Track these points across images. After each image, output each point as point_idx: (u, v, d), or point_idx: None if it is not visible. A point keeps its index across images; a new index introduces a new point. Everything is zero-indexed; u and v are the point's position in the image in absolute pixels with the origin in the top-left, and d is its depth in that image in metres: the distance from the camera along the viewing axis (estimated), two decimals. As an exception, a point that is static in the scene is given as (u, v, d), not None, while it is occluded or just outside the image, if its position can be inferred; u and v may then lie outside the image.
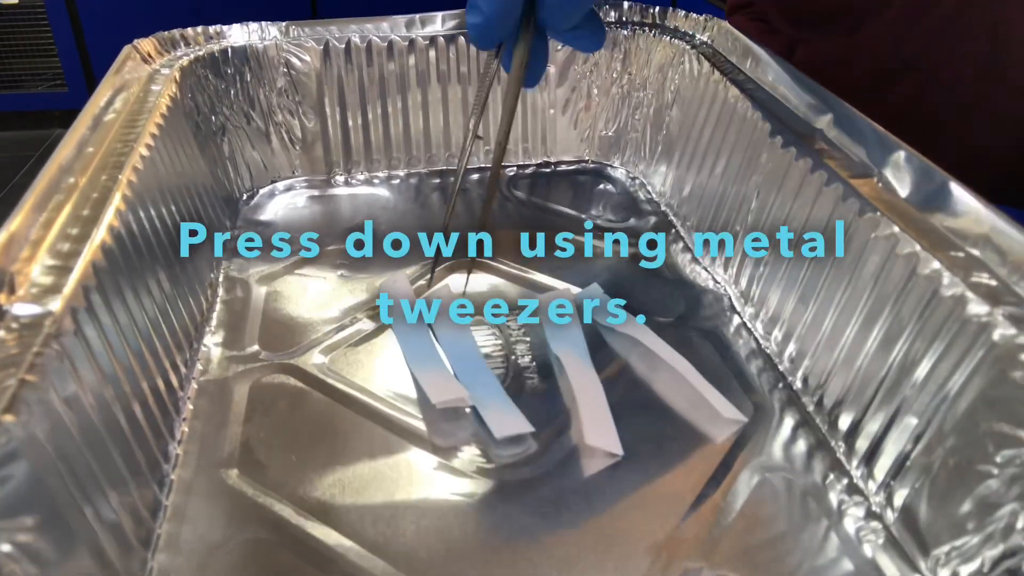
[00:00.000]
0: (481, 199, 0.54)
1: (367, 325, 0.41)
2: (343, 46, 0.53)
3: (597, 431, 0.34)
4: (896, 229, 0.32)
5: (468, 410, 0.36)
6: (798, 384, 0.37)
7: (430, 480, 0.32)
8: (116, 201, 0.32)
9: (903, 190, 0.33)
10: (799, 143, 0.39)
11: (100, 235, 0.30)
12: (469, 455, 0.34)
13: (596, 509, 0.31)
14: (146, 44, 0.48)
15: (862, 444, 0.33)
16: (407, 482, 0.32)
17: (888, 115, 0.36)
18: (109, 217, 0.31)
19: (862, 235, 0.34)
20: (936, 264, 0.29)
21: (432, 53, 0.54)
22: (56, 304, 0.26)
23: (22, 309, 0.25)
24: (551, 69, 0.56)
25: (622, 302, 0.42)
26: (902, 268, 0.31)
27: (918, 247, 0.30)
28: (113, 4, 1.82)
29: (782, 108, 0.42)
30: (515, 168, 0.58)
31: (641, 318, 0.41)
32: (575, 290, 0.44)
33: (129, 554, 0.27)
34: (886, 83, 0.40)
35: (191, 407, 0.36)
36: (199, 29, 0.50)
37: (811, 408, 0.36)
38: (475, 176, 0.57)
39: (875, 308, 0.33)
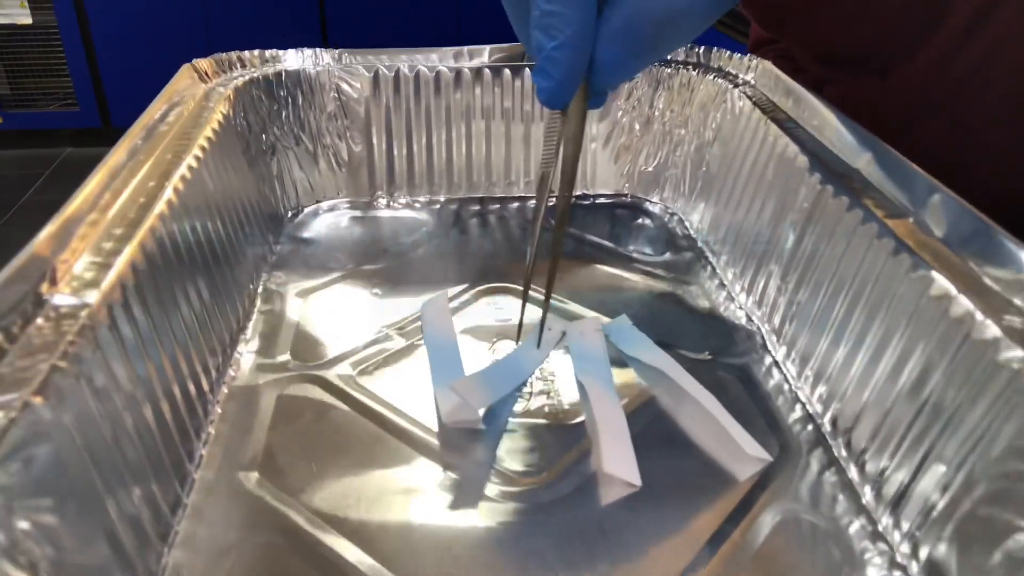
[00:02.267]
0: (521, 227, 0.54)
1: (397, 343, 0.42)
2: (392, 74, 0.54)
3: (616, 460, 0.33)
4: (930, 270, 0.31)
5: (484, 430, 0.36)
6: (827, 425, 0.36)
7: (444, 499, 0.32)
8: (160, 207, 0.34)
9: (939, 231, 0.33)
10: (837, 181, 0.39)
11: (142, 237, 0.31)
12: (485, 477, 0.34)
13: (610, 539, 0.31)
14: (204, 63, 0.50)
15: (889, 490, 0.32)
16: (421, 500, 0.32)
17: (915, 157, 0.36)
18: (152, 221, 0.32)
19: (896, 275, 0.33)
20: (969, 306, 0.29)
21: (478, 88, 0.55)
22: (93, 297, 0.27)
23: (61, 300, 0.26)
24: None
25: (649, 336, 0.42)
26: (934, 309, 0.30)
27: (952, 288, 0.30)
28: (125, 25, 1.86)
29: (821, 147, 0.42)
30: (554, 198, 0.58)
31: (664, 352, 0.41)
32: (605, 320, 0.44)
33: (146, 547, 0.28)
34: (914, 126, 0.40)
35: (220, 410, 0.36)
36: (255, 52, 0.52)
37: (839, 450, 0.35)
38: (515, 204, 0.57)
39: (906, 350, 0.32)
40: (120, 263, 0.29)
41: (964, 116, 0.44)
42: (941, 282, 0.31)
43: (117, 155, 0.35)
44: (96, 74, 1.01)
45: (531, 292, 0.39)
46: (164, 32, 1.91)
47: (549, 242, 0.37)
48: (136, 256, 0.30)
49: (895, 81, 0.45)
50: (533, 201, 0.58)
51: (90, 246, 0.29)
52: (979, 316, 0.28)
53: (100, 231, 0.30)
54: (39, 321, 0.25)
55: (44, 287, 0.26)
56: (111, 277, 0.28)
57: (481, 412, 0.36)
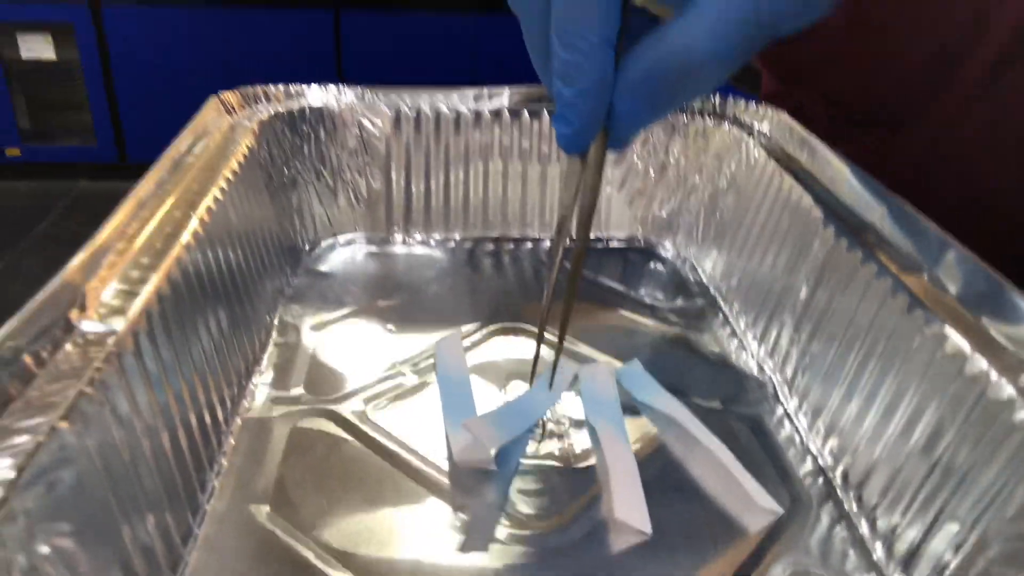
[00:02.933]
0: (534, 268, 0.55)
1: (410, 379, 0.42)
2: (413, 114, 0.55)
3: (628, 506, 0.33)
4: (944, 327, 0.31)
5: (495, 470, 0.36)
6: (838, 480, 0.36)
7: (454, 539, 0.32)
8: (186, 238, 0.34)
9: (953, 288, 0.33)
10: (851, 235, 0.39)
11: (168, 266, 0.32)
12: (495, 518, 0.34)
13: (619, 585, 0.31)
14: (230, 96, 0.51)
15: (901, 547, 0.31)
16: (431, 538, 0.32)
17: (928, 215, 0.36)
18: (178, 251, 0.33)
19: (910, 331, 0.33)
20: (984, 365, 0.29)
21: (497, 128, 0.56)
22: (120, 324, 0.27)
23: (89, 326, 0.27)
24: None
25: (660, 382, 0.42)
26: (949, 367, 0.31)
27: (966, 346, 0.30)
28: (145, 64, 1.90)
29: (835, 199, 0.42)
30: (567, 241, 0.59)
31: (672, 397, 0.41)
32: (616, 364, 0.44)
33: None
34: (923, 183, 0.40)
35: (233, 442, 0.36)
36: (280, 87, 0.54)
37: (850, 505, 0.35)
38: (528, 245, 0.58)
39: (920, 406, 0.32)
40: (147, 291, 0.30)
41: (974, 175, 0.44)
42: (956, 339, 0.31)
43: (146, 185, 0.35)
44: (115, 110, 1.03)
45: (545, 334, 0.40)
46: (181, 69, 1.95)
47: (564, 285, 0.37)
48: (162, 285, 0.31)
49: (906, 137, 0.46)
50: (548, 243, 0.58)
51: (118, 274, 0.30)
52: (994, 375, 0.28)
53: (128, 259, 0.31)
54: (68, 347, 0.26)
55: (74, 314, 0.26)
56: (138, 305, 0.29)
57: (493, 452, 0.37)
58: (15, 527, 0.21)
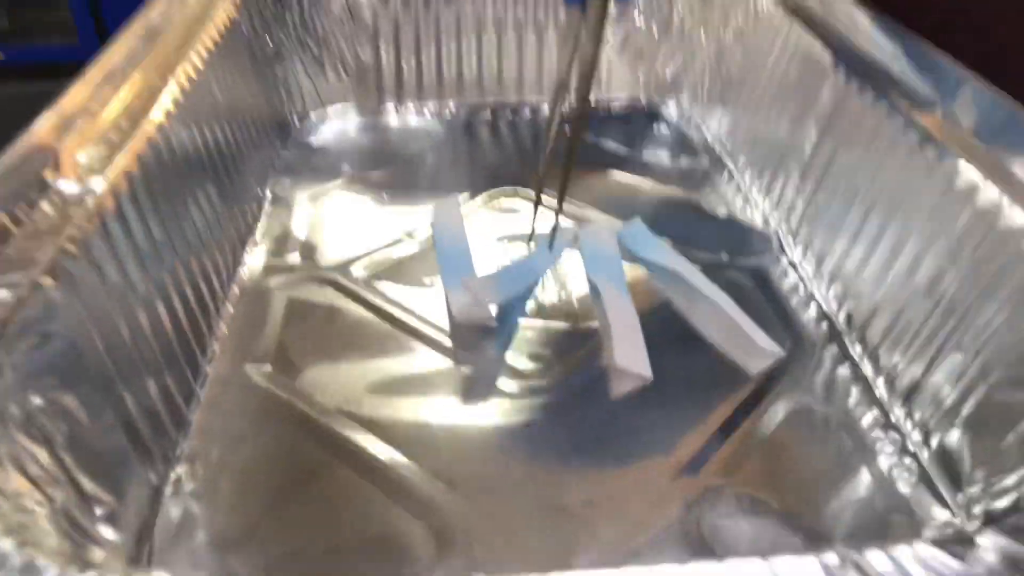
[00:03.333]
0: (533, 135, 0.53)
1: (408, 246, 0.42)
2: (400, -26, 0.52)
3: (627, 353, 0.33)
4: (956, 160, 0.30)
5: (495, 328, 0.36)
6: (841, 323, 0.36)
7: (457, 390, 0.33)
8: (167, 104, 0.33)
9: (968, 123, 0.31)
10: (861, 76, 0.37)
11: (148, 131, 0.31)
12: (497, 370, 0.34)
13: (620, 429, 0.31)
14: (206, -38, 0.48)
15: (903, 381, 0.31)
16: (434, 391, 0.33)
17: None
18: (160, 118, 0.32)
19: (920, 169, 0.32)
20: (995, 194, 0.28)
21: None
22: (100, 185, 0.26)
23: (67, 186, 0.26)
24: (610, 6, 0.55)
25: (664, 237, 0.41)
26: (959, 201, 0.29)
27: (979, 177, 0.29)
28: None
29: (847, 42, 0.40)
30: (566, 102, 0.57)
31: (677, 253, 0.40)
32: (618, 224, 0.43)
33: (162, 436, 0.28)
34: (934, 39, 0.38)
35: (231, 310, 0.36)
36: (259, -49, 0.51)
37: (853, 345, 0.35)
38: (527, 110, 0.56)
39: (925, 245, 0.31)
40: (126, 154, 0.29)
41: (993, 30, 0.42)
42: (968, 172, 0.30)
43: (115, 52, 0.34)
44: (95, 5, 0.98)
45: (545, 198, 0.39)
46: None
47: (564, 147, 0.36)
48: (142, 149, 0.30)
49: None
50: (547, 105, 0.56)
51: (94, 137, 0.29)
52: (1007, 203, 0.27)
53: (104, 124, 0.29)
54: (44, 206, 0.25)
55: (48, 173, 0.26)
56: (117, 166, 0.28)
57: (493, 310, 0.36)
58: (3, 380, 0.21)
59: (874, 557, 0.18)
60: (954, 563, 0.19)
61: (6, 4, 1.08)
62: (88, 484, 0.23)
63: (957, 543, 0.19)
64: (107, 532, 0.24)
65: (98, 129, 0.29)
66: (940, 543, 0.19)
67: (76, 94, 0.30)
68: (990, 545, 0.19)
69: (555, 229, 0.39)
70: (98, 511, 0.24)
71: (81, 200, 0.26)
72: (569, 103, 0.36)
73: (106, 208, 0.26)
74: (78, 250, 0.24)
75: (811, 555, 0.18)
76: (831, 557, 0.18)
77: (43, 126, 0.27)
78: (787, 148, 0.43)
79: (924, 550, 0.19)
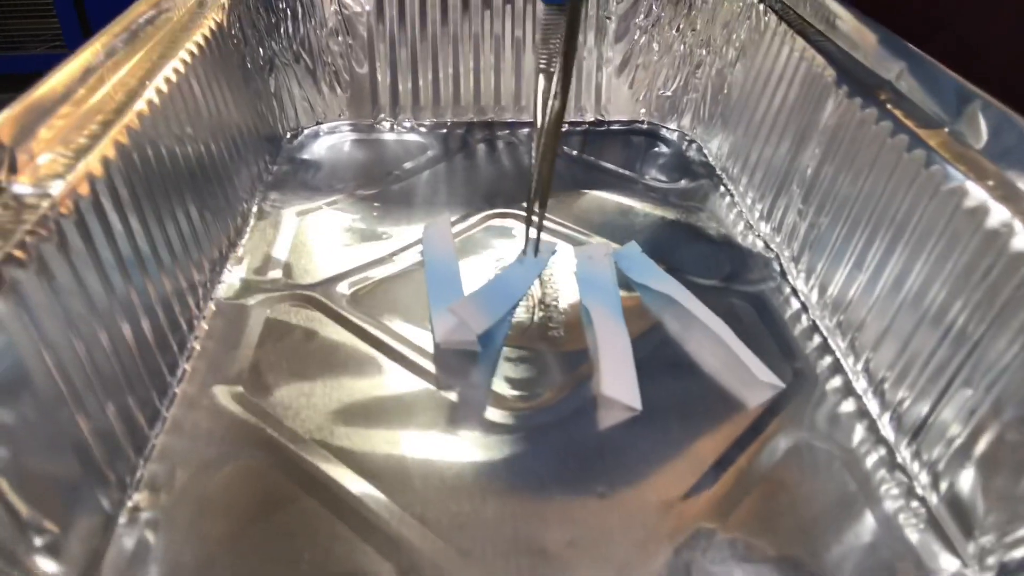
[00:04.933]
0: (531, 153, 0.52)
1: (395, 265, 0.40)
2: (397, -12, 0.51)
3: (616, 382, 0.32)
4: (964, 180, 0.28)
5: (480, 352, 0.34)
6: (845, 353, 0.34)
7: (437, 419, 0.31)
8: (140, 106, 0.32)
9: (977, 141, 0.30)
10: (866, 93, 0.36)
11: (115, 134, 0.29)
12: (480, 398, 0.32)
13: (608, 462, 0.29)
14: (198, -29, 0.47)
15: (910, 417, 0.30)
16: (413, 419, 0.31)
17: None
18: (129, 119, 0.30)
19: (926, 189, 0.30)
20: (1006, 215, 0.26)
21: (487, 12, 0.52)
22: (57, 189, 0.25)
23: (22, 189, 0.24)
24: (610, 24, 0.54)
25: (662, 261, 0.40)
26: (967, 223, 0.28)
27: (987, 197, 0.27)
28: None
29: (851, 59, 0.39)
30: (567, 125, 0.56)
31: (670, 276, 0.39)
32: (615, 246, 0.42)
33: (119, 459, 0.27)
34: (921, 43, 0.37)
35: (206, 327, 0.35)
36: (253, -39, 0.50)
37: (857, 378, 0.33)
38: (525, 130, 0.55)
39: (933, 271, 0.29)
40: (90, 157, 0.27)
41: (970, 35, 0.41)
42: (976, 192, 0.28)
43: (91, 50, 0.32)
44: (83, 15, 0.97)
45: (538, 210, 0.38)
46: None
47: (545, 145, 0.35)
48: (109, 153, 0.28)
49: None
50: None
51: (58, 138, 0.27)
52: (1018, 225, 0.26)
53: (70, 124, 0.28)
54: (-4, 210, 0.23)
55: (2, 175, 0.24)
56: (79, 170, 0.26)
57: (478, 334, 0.35)
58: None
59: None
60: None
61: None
62: (26, 511, 0.21)
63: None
64: (46, 564, 0.22)
65: (62, 129, 0.28)
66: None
67: (43, 90, 0.28)
68: (1007, 604, 0.18)
69: (539, 232, 0.38)
70: (37, 541, 0.22)
71: (37, 204, 0.24)
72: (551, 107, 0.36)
73: (63, 214, 0.25)
74: (27, 258, 0.23)
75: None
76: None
77: (2, 121, 0.25)
78: (789, 169, 0.42)
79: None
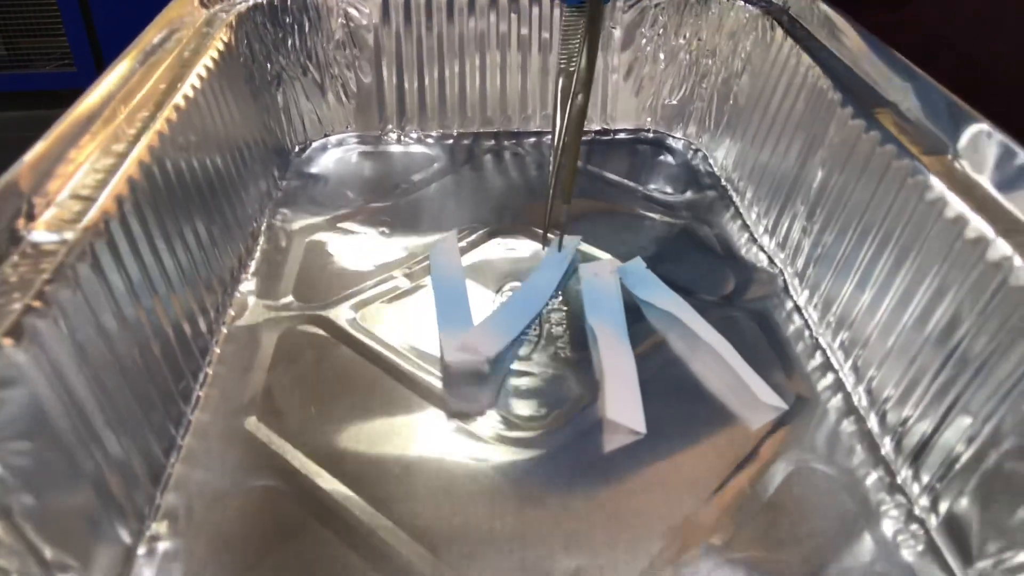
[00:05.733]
0: (538, 164, 0.52)
1: (403, 283, 0.41)
2: (402, 0, 0.52)
3: (620, 406, 0.32)
4: (965, 210, 0.29)
5: (488, 373, 0.35)
6: (847, 373, 0.35)
7: (445, 442, 0.32)
8: (149, 138, 0.32)
9: (980, 169, 0.30)
10: (870, 115, 0.36)
11: (128, 170, 0.30)
12: (488, 420, 0.33)
13: (612, 485, 0.30)
14: (205, -12, 0.47)
15: (910, 441, 0.30)
16: (422, 442, 0.31)
17: None
18: (140, 154, 0.31)
19: (930, 215, 0.31)
20: (1007, 250, 0.27)
21: (493, 15, 0.53)
22: (74, 233, 0.26)
23: (39, 236, 0.25)
24: (616, 32, 0.54)
25: (666, 278, 0.40)
26: (969, 252, 0.28)
27: (989, 230, 0.27)
28: None
29: (856, 79, 0.39)
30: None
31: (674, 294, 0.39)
32: (619, 262, 0.42)
33: (136, 490, 0.27)
34: (924, 63, 0.37)
35: (218, 351, 0.36)
36: (259, -23, 0.50)
37: (859, 399, 0.33)
38: (531, 140, 0.55)
39: (937, 295, 0.30)
40: (104, 198, 0.28)
41: (974, 53, 0.41)
42: (978, 223, 0.28)
43: (108, 82, 0.33)
44: (92, 34, 0.97)
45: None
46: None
47: (568, 145, 0.38)
48: (122, 191, 0.29)
49: (909, 15, 0.43)
50: (551, 133, 0.55)
51: (73, 180, 0.28)
52: (1018, 261, 0.26)
53: (84, 164, 0.29)
54: (14, 259, 0.24)
55: (20, 223, 0.25)
56: (93, 214, 0.27)
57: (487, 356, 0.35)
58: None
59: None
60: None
61: (2, 32, 1.07)
62: (50, 551, 0.22)
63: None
64: (70, 601, 0.23)
65: (78, 171, 0.28)
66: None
67: (62, 127, 0.29)
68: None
69: (563, 229, 0.40)
70: (61, 579, 0.23)
71: (55, 251, 0.25)
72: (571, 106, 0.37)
73: (80, 259, 0.26)
74: (46, 306, 0.23)
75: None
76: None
77: (21, 168, 0.26)
78: (794, 183, 0.42)
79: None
